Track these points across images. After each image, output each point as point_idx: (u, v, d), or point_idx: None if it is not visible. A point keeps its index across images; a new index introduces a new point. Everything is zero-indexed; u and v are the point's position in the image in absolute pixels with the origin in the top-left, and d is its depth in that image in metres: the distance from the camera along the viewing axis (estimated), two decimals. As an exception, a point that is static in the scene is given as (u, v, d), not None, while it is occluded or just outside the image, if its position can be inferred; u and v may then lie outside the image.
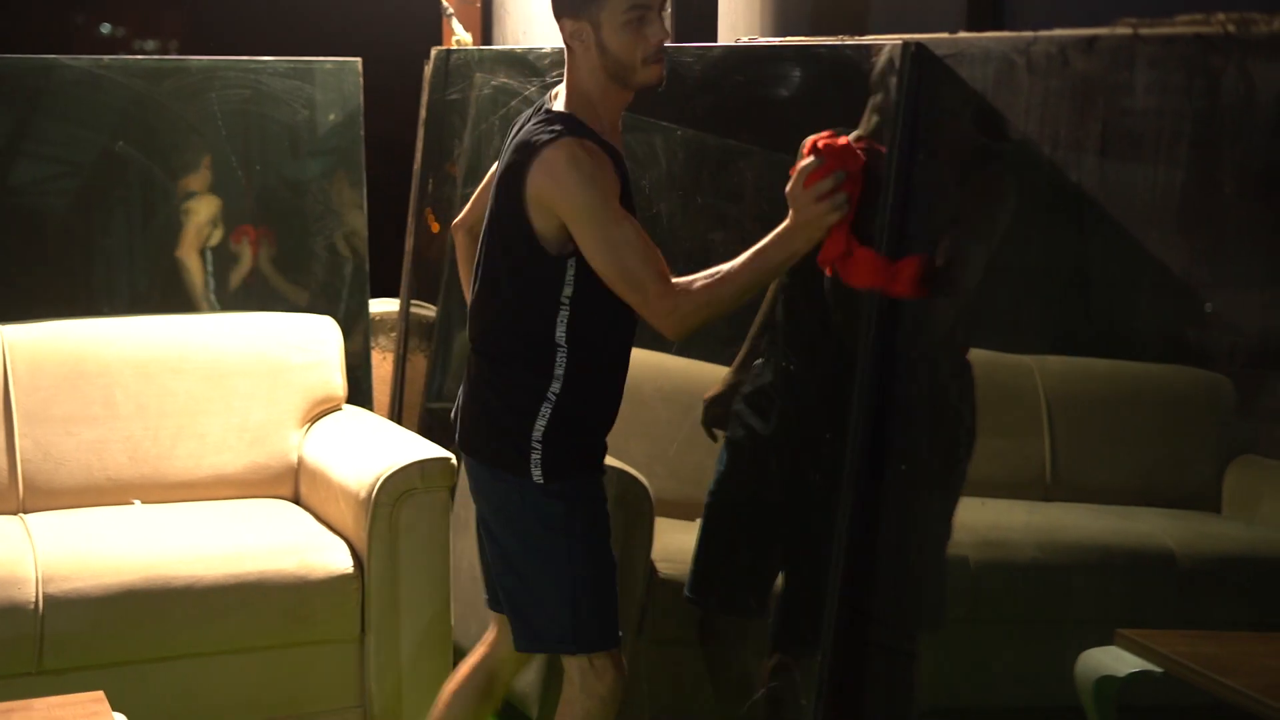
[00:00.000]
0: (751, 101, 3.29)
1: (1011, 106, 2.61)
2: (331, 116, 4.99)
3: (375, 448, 4.21)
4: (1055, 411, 2.99)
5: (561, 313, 2.90)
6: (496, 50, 5.10)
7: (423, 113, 5.05)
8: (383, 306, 5.43)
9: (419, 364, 5.12)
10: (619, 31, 2.83)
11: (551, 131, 2.83)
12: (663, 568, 4.17)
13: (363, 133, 4.99)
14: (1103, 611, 4.26)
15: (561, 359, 2.92)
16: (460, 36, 5.17)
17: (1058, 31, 2.54)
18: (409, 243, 5.15)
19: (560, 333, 2.91)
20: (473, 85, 4.77)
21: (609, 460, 4.19)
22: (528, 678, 4.21)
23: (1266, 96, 2.20)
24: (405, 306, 5.19)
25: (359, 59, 5.04)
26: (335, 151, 5.01)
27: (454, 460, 4.14)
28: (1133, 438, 2.82)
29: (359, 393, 4.94)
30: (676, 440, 4.59)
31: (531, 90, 4.41)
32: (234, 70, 4.86)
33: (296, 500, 4.52)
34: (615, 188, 2.82)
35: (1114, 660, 4.04)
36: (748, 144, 3.30)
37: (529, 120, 2.96)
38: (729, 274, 2.81)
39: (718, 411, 3.49)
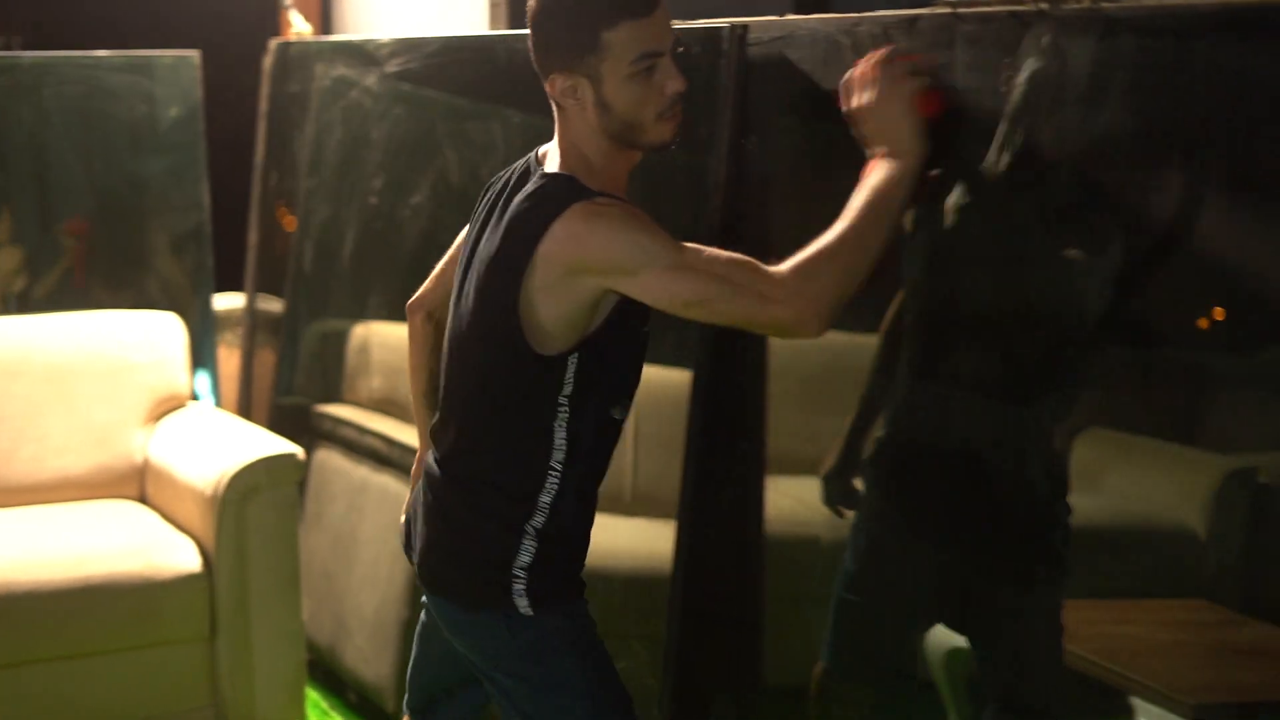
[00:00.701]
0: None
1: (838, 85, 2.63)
2: (171, 111, 4.93)
3: (221, 445, 4.17)
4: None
5: (560, 416, 2.39)
6: (335, 41, 5.06)
7: (263, 105, 4.99)
8: (230, 302, 5.37)
9: (267, 359, 5.07)
10: (625, 85, 2.32)
11: (552, 203, 2.33)
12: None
13: (203, 127, 4.93)
14: (956, 586, 4.33)
15: (551, 484, 2.41)
16: (299, 28, 5.12)
17: (881, 13, 2.58)
18: (253, 237, 5.10)
19: (559, 439, 2.40)
20: (313, 77, 4.72)
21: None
22: (383, 668, 4.19)
23: (1079, 72, 2.25)
24: (251, 302, 5.14)
25: (197, 52, 4.98)
26: (176, 147, 4.94)
27: (300, 455, 4.11)
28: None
29: (205, 390, 4.88)
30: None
31: (369, 79, 4.38)
32: (68, 66, 4.79)
33: (143, 500, 4.46)
34: (650, 222, 2.33)
35: (961, 635, 4.12)
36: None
37: (509, 189, 2.46)
38: (845, 232, 2.29)
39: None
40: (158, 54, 4.91)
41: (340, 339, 4.78)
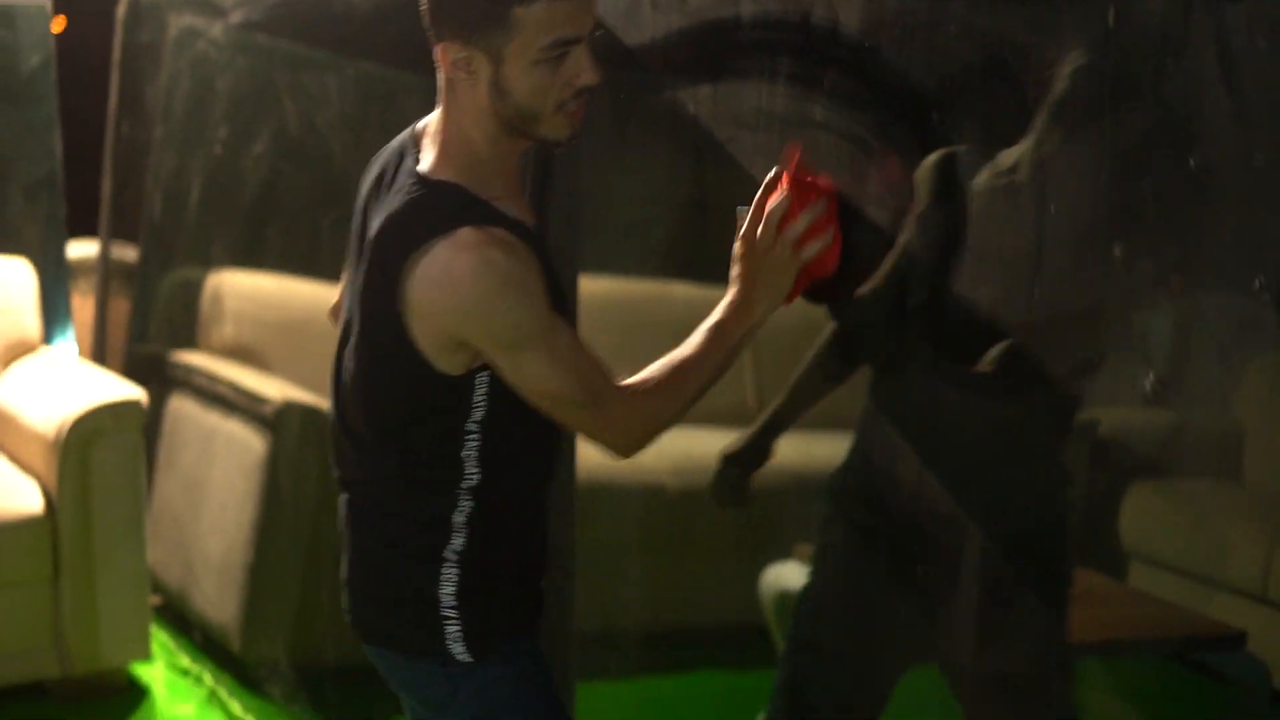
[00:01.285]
0: (415, 40, 3.36)
1: (639, 40, 2.73)
2: (22, 59, 4.94)
3: (67, 390, 4.21)
4: (761, 340, 3.10)
5: (469, 444, 2.12)
6: (187, -9, 5.10)
7: (116, 54, 5.02)
8: (86, 250, 5.40)
9: (121, 307, 5.11)
10: (528, 71, 2.02)
11: (434, 216, 2.03)
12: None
13: (55, 75, 4.95)
14: (800, 532, 4.46)
15: (465, 505, 2.14)
16: (150, -23, 5.15)
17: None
18: (106, 186, 5.13)
19: (470, 469, 2.13)
20: (165, 27, 4.76)
21: (301, 394, 4.28)
22: (229, 610, 4.27)
23: (852, 24, 2.35)
24: (105, 248, 5.17)
25: (49, 0, 4.99)
26: (28, 96, 4.95)
27: (144, 400, 4.16)
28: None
29: (59, 336, 4.92)
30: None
31: (215, 30, 4.43)
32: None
33: (-9, 445, 4.50)
34: (540, 285, 2.03)
35: (792, 576, 4.24)
36: (414, 80, 3.37)
37: (388, 180, 2.16)
38: (686, 364, 2.13)
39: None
40: (10, 2, 4.92)
41: (193, 287, 4.83)
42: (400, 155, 2.16)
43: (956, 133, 2.22)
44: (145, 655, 4.19)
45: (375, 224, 2.09)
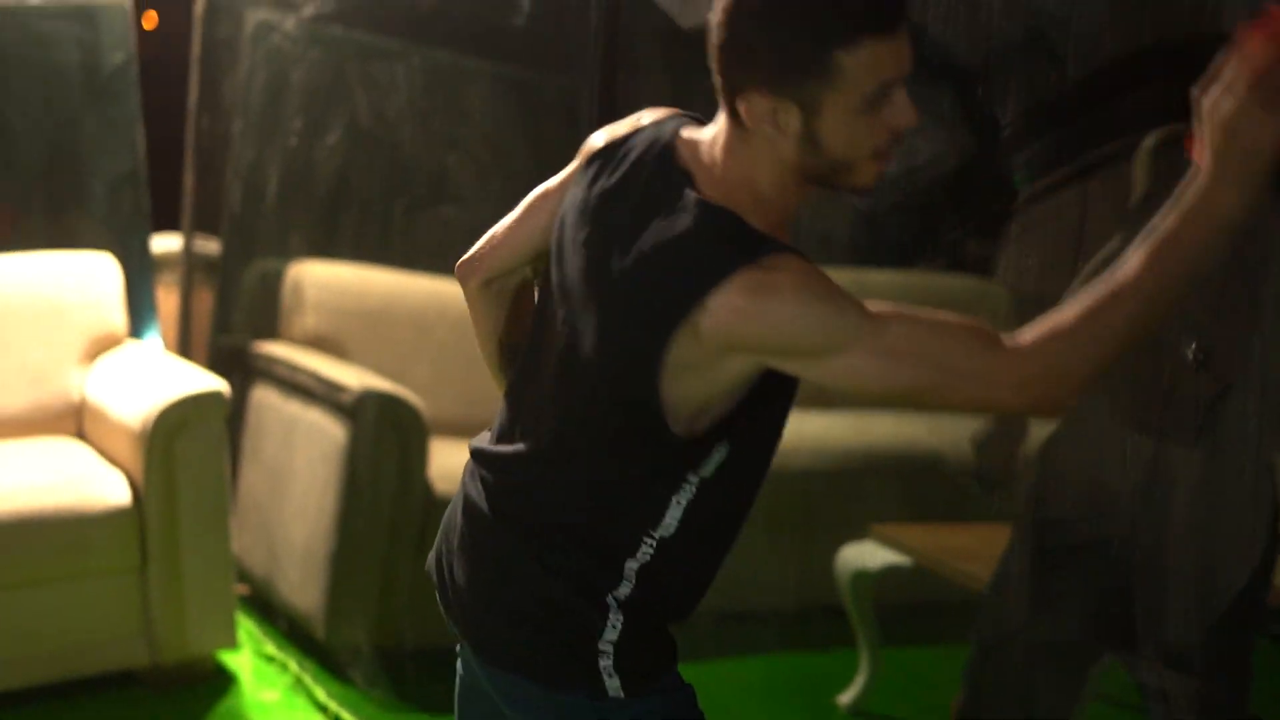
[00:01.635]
0: (479, 27, 3.39)
1: (694, 23, 2.73)
2: (104, 57, 5.01)
3: (152, 383, 4.28)
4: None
5: (683, 490, 1.94)
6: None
7: (195, 50, 5.09)
8: (169, 244, 5.48)
9: (205, 299, 5.19)
10: (849, 120, 1.81)
11: (711, 261, 1.83)
12: (441, 486, 4.31)
13: (137, 72, 5.02)
14: (874, 512, 4.45)
15: (646, 553, 1.95)
16: (227, -27, 5.22)
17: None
18: (188, 180, 5.20)
19: (671, 518, 1.95)
20: (241, 22, 4.82)
21: (378, 382, 4.33)
22: (313, 598, 4.32)
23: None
24: (188, 242, 5.25)
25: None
26: (110, 92, 5.03)
27: (226, 392, 4.22)
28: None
29: (145, 330, 5.00)
30: (461, 365, 4.71)
31: (289, 23, 4.47)
32: (2, 14, 4.87)
33: (81, 437, 4.58)
34: (834, 285, 1.83)
35: (868, 556, 4.24)
36: (477, 67, 3.40)
37: (644, 186, 1.94)
38: (1122, 286, 1.75)
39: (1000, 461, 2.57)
40: (91, 2, 4.99)
41: (274, 278, 4.89)
42: (662, 165, 1.94)
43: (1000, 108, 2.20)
44: (231, 643, 4.25)
45: (641, 245, 1.87)
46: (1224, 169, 1.70)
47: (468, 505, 2.05)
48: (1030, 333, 1.77)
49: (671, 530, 1.94)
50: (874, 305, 1.80)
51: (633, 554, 1.94)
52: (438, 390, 4.71)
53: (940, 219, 2.33)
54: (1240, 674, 2.32)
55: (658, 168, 1.93)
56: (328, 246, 4.67)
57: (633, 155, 1.97)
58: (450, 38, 3.45)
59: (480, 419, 4.13)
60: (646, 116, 2.03)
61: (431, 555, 2.15)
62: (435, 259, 3.96)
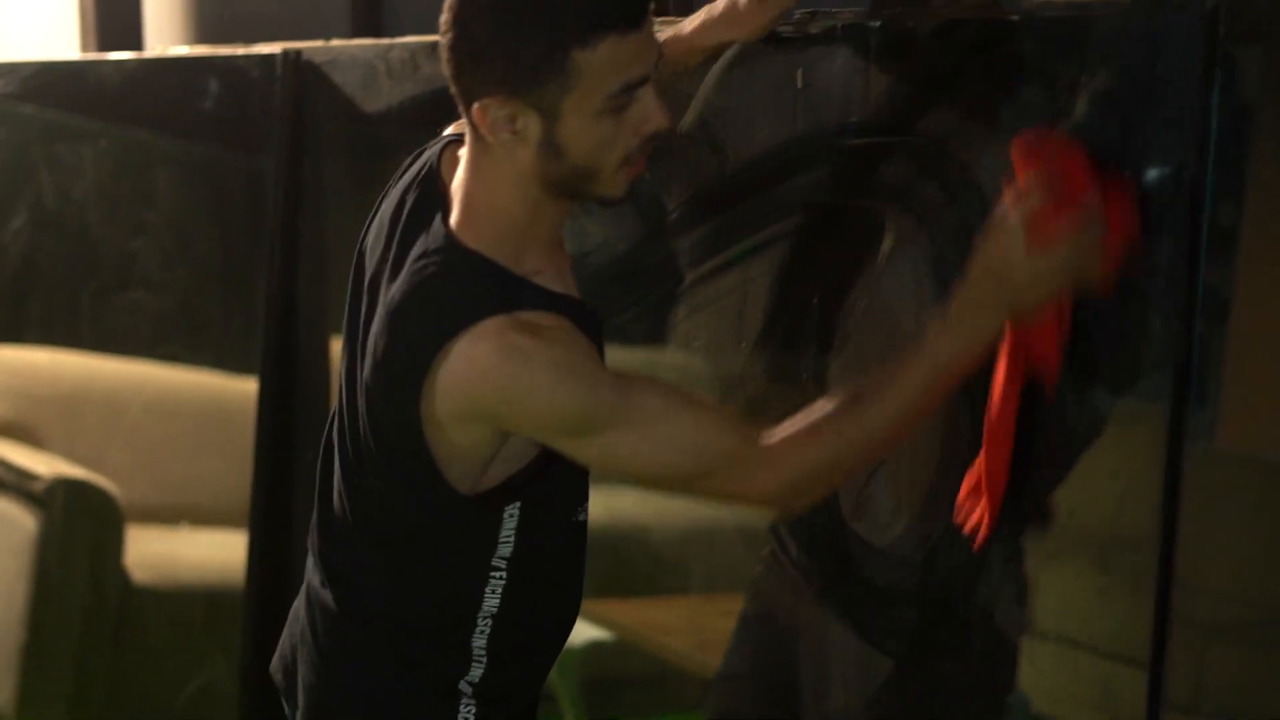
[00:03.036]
0: (169, 108, 3.37)
1: (376, 107, 2.78)
2: None
3: None
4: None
5: (492, 581, 1.82)
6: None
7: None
8: None
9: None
10: (592, 123, 1.69)
11: (464, 302, 1.71)
12: (138, 575, 4.21)
13: None
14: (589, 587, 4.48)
15: (483, 626, 1.84)
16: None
17: (411, 39, 2.73)
18: None
19: (492, 593, 1.82)
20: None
21: (70, 469, 4.23)
22: (5, 692, 4.18)
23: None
24: None
25: None
26: None
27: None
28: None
29: None
30: (157, 449, 4.62)
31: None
32: None
33: None
34: (593, 362, 1.73)
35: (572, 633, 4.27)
36: (165, 150, 3.37)
37: (408, 215, 1.82)
38: (867, 393, 1.73)
39: None
40: None
41: (-39, 365, 4.74)
42: (422, 200, 1.82)
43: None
44: (-85, 742, 4.08)
45: (392, 293, 1.75)
46: (976, 300, 1.72)
47: (308, 595, 1.92)
48: (782, 431, 1.72)
49: (496, 607, 1.83)
50: (632, 382, 1.73)
51: (471, 632, 1.83)
52: (133, 476, 4.60)
53: (611, 299, 2.39)
54: None
55: (420, 192, 1.82)
56: (16, 331, 4.53)
57: (405, 178, 1.87)
58: (139, 119, 3.42)
59: (179, 505, 4.08)
60: (449, 129, 1.91)
61: (275, 657, 2.02)
62: (126, 342, 3.89)
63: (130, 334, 3.61)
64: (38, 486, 4.17)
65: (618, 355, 2.60)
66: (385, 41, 2.77)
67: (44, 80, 4.05)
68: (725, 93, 2.19)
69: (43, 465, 4.25)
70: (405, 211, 1.82)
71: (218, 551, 3.58)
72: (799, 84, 2.10)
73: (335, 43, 2.93)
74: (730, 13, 2.04)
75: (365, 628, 1.87)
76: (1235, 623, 1.82)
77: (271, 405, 3.08)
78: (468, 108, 1.72)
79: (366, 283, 1.85)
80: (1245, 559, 1.81)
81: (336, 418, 1.88)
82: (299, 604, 1.97)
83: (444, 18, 1.71)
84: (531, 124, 1.69)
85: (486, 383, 1.68)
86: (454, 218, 1.76)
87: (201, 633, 3.33)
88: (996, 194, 1.83)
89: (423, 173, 1.84)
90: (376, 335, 1.76)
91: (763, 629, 2.28)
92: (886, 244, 2.04)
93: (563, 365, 1.68)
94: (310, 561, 1.94)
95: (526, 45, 1.65)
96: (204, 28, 4.23)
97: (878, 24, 2.03)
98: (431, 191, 1.81)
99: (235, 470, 3.43)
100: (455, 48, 1.70)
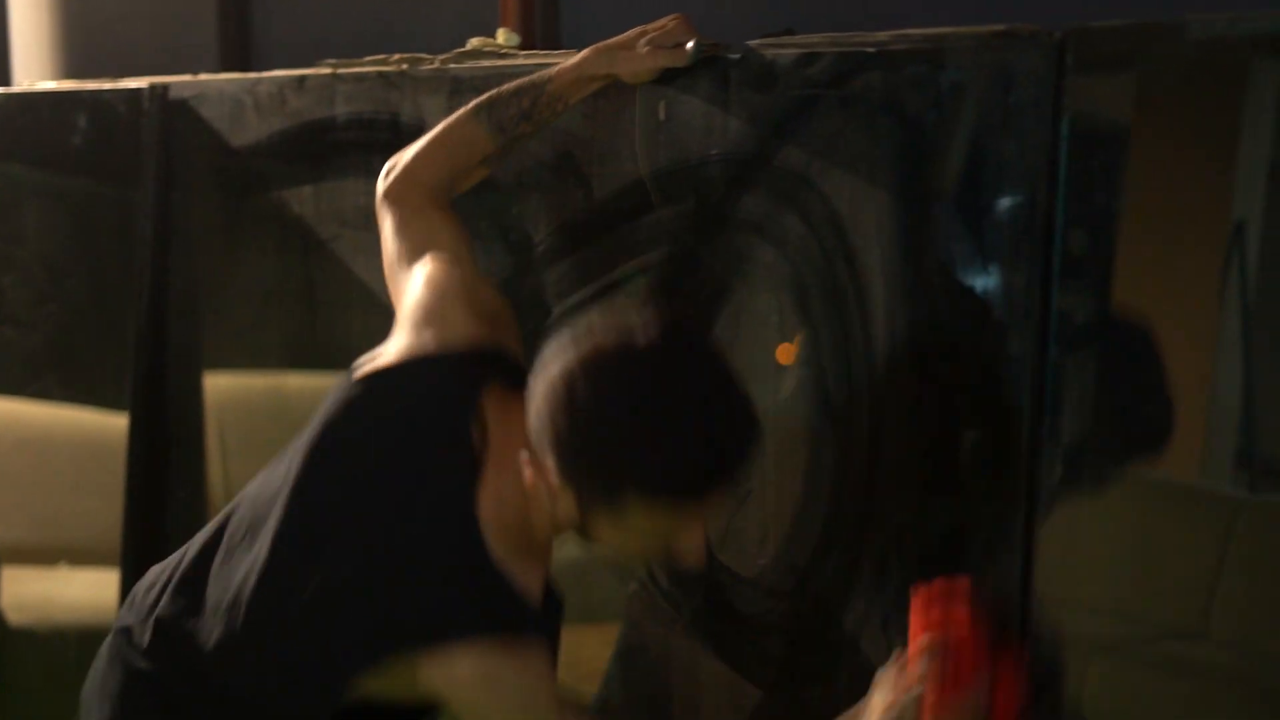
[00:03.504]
0: (35, 144, 3.32)
1: (244, 141, 2.76)
2: None
3: None
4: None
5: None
6: None
7: None
8: None
9: None
10: (623, 541, 1.83)
11: (459, 617, 1.81)
12: (14, 616, 4.14)
13: None
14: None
15: None
16: None
17: (277, 73, 2.71)
18: None
19: None
20: None
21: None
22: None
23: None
24: None
25: None
26: None
27: None
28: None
29: None
30: (30, 487, 4.54)
31: None
32: None
33: None
34: (549, 683, 1.84)
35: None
36: (34, 184, 3.32)
37: (405, 426, 1.91)
38: None
39: None
40: None
41: None
42: (452, 435, 1.87)
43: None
44: None
45: (406, 546, 1.84)
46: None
47: (118, 650, 2.01)
48: None
49: None
50: (565, 710, 1.83)
51: None
52: (6, 515, 4.53)
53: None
54: None
55: (449, 432, 1.86)
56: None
57: (430, 395, 1.90)
58: (6, 154, 3.37)
59: (53, 544, 4.00)
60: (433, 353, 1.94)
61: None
62: (-3, 379, 3.82)
63: (0, 371, 3.55)
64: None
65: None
66: (252, 76, 2.74)
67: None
68: (590, 124, 2.20)
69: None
70: (426, 431, 1.88)
71: (94, 590, 3.52)
72: (661, 116, 2.11)
73: (203, 77, 2.89)
74: (624, 53, 2.09)
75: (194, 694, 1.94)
76: (1107, 639, 1.85)
77: (142, 440, 3.04)
78: (525, 455, 1.80)
79: (342, 464, 1.90)
80: (1112, 576, 1.83)
81: (249, 525, 1.94)
82: (100, 659, 2.04)
83: (538, 385, 1.77)
84: (570, 509, 1.79)
85: (458, 692, 1.81)
86: (485, 502, 1.82)
87: (77, 673, 3.26)
88: (856, 230, 1.87)
89: (457, 402, 1.88)
90: (367, 579, 1.84)
91: (637, 660, 2.29)
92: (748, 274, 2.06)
93: (528, 694, 1.80)
94: (131, 614, 2.00)
95: (591, 476, 1.75)
96: (72, 62, 4.18)
97: (737, 56, 2.04)
98: (468, 430, 1.85)
99: (111, 507, 3.39)
100: (532, 415, 1.77)
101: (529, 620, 1.83)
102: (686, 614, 2.16)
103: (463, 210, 2.13)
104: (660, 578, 2.18)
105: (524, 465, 1.79)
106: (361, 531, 1.85)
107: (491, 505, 1.83)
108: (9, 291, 3.31)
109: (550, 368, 1.75)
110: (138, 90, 2.96)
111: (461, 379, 1.89)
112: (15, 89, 3.68)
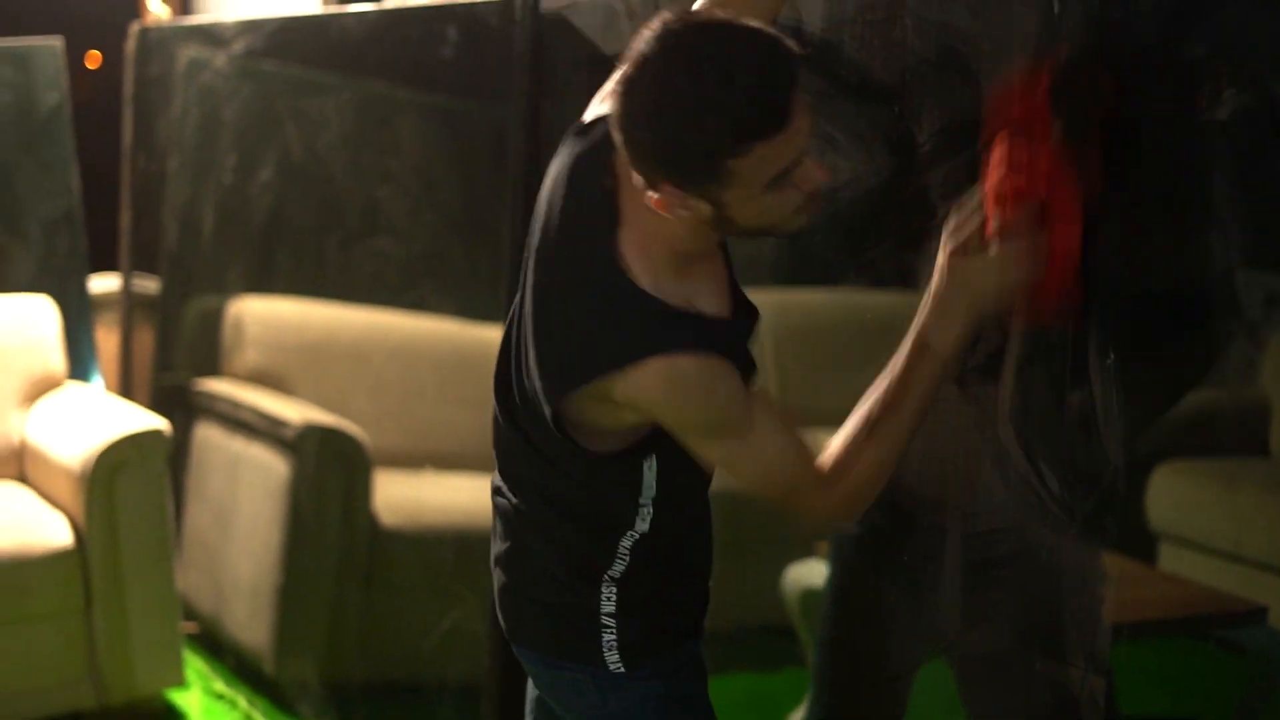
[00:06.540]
0: (407, 59, 3.40)
1: (617, 50, 2.75)
2: (37, 99, 5.00)
3: (92, 424, 4.27)
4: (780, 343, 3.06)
5: (641, 514, 2.10)
6: (189, 25, 5.15)
7: (128, 89, 5.08)
8: (108, 284, 5.45)
9: (146, 339, 5.17)
10: (755, 202, 1.89)
11: (628, 339, 1.95)
12: (387, 518, 4.31)
13: (70, 112, 5.01)
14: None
15: (633, 535, 2.12)
16: (156, 12, 5.21)
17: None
18: (125, 219, 5.19)
19: (640, 527, 2.11)
20: (173, 60, 4.82)
21: (320, 416, 4.33)
22: (261, 634, 4.31)
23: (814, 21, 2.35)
24: (127, 282, 5.23)
25: (60, 38, 5.04)
26: (44, 134, 5.02)
27: (167, 430, 4.21)
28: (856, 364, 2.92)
29: (85, 371, 4.97)
30: (401, 396, 4.71)
31: (220, 60, 4.47)
32: (-70, 57, 4.86)
33: (23, 480, 4.55)
34: (734, 386, 1.97)
35: (816, 574, 4.24)
36: (406, 99, 3.41)
37: (576, 200, 2.03)
38: (883, 421, 1.99)
39: None
40: (21, 43, 4.98)
41: (213, 315, 4.88)
42: (594, 189, 2.01)
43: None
44: (180, 682, 4.23)
45: (562, 303, 2.01)
46: (944, 305, 1.96)
47: (508, 506, 2.20)
48: (830, 457, 2.00)
49: (645, 530, 2.10)
50: (756, 402, 1.98)
51: (621, 535, 2.10)
52: (379, 422, 4.70)
53: (862, 237, 2.35)
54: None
55: (592, 188, 2.02)
56: (265, 282, 4.65)
57: (579, 149, 2.05)
58: (380, 70, 3.46)
59: (423, 450, 4.14)
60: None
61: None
62: (371, 291, 3.96)
63: (375, 282, 3.66)
64: (289, 433, 4.29)
65: (859, 295, 2.56)
66: (622, -17, 2.74)
67: (287, 35, 4.14)
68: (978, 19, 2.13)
69: (293, 413, 4.37)
70: (576, 193, 2.03)
71: (461, 495, 3.63)
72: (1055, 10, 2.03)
73: (573, -15, 2.92)
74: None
75: (529, 519, 2.16)
76: None
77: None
78: (644, 189, 1.91)
79: (537, 243, 2.07)
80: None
81: (508, 352, 2.12)
82: (495, 528, 2.25)
83: (615, 112, 1.89)
84: (702, 206, 1.89)
85: (651, 402, 1.96)
86: (627, 241, 1.98)
87: (450, 573, 3.37)
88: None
89: (598, 157, 2.02)
90: (544, 335, 2.02)
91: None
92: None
93: (712, 392, 1.95)
94: (500, 483, 2.22)
95: (686, 156, 1.84)
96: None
97: None
98: (600, 196, 2.01)
99: (476, 417, 3.47)
100: (626, 144, 1.89)
101: (712, 339, 1.96)
102: (1079, 519, 2.10)
103: (842, 109, 2.10)
104: (1050, 481, 2.12)
105: (651, 201, 1.90)
106: (544, 284, 2.03)
107: (634, 245, 1.97)
108: (385, 203, 3.41)
109: (612, 110, 1.89)
110: (509, 2, 3.00)
111: (599, 141, 2.02)
112: (387, 5, 3.78)
